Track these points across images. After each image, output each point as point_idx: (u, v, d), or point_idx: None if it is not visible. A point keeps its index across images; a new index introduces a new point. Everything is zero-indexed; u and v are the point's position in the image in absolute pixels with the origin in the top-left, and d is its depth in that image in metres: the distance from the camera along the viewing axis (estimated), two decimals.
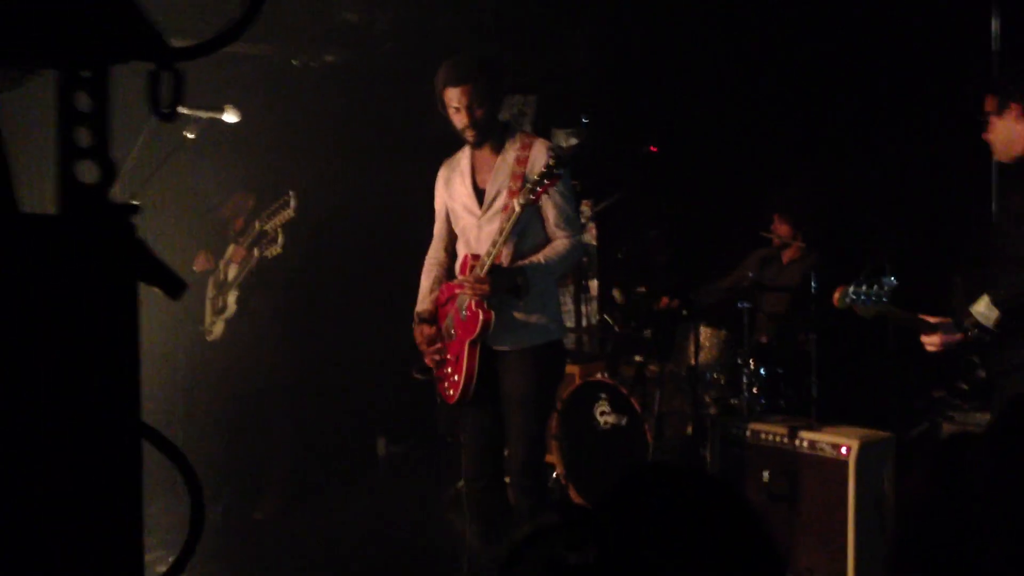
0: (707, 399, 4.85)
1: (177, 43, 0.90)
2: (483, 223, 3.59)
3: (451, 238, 3.84)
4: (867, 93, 5.22)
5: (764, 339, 4.86)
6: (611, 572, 1.03)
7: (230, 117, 3.90)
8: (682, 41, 5.95)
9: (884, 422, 4.15)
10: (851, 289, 3.12)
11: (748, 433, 4.21)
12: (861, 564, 3.78)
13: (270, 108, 5.50)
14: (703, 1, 5.84)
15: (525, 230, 3.52)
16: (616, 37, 6.53)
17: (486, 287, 3.43)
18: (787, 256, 5.25)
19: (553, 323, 3.70)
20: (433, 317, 3.76)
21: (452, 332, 3.65)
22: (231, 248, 5.12)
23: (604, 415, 5.01)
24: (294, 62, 5.55)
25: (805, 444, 3.98)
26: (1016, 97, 3.22)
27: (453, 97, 3.52)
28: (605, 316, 5.79)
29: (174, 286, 0.84)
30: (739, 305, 4.77)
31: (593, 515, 1.11)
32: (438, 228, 3.87)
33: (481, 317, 3.48)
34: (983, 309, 3.10)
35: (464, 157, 3.73)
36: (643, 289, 5.37)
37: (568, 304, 6.97)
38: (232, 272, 5.06)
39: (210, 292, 5.26)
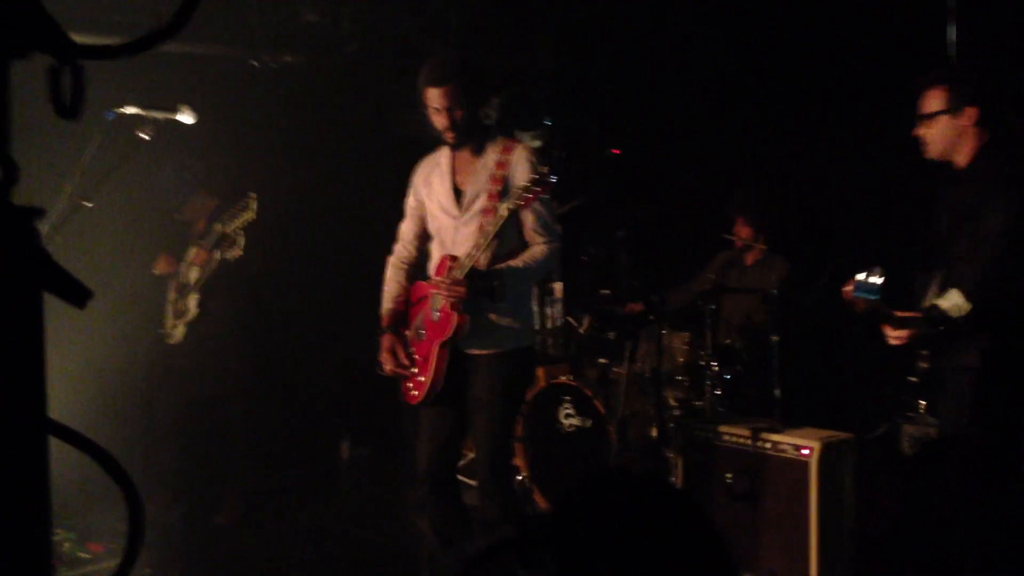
0: (671, 401, 4.87)
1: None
2: (460, 225, 3.58)
3: (423, 237, 3.82)
4: (827, 97, 5.26)
5: (728, 341, 4.88)
6: None
7: (186, 118, 3.84)
8: (645, 45, 5.98)
9: (846, 423, 4.18)
10: (861, 279, 3.12)
11: (711, 435, 4.23)
12: (823, 564, 3.80)
13: (230, 109, 5.43)
14: (666, 5, 5.86)
15: (502, 234, 3.51)
16: (579, 40, 6.54)
17: (462, 290, 3.41)
18: (750, 258, 5.28)
19: (525, 329, 3.70)
20: (400, 318, 3.74)
21: (421, 332, 3.63)
22: (192, 250, 5.05)
23: (568, 417, 5.01)
24: (253, 63, 5.49)
25: (768, 445, 4.00)
26: (976, 102, 3.22)
27: (433, 98, 3.50)
28: (569, 319, 5.79)
29: (78, 295, 0.81)
30: (701, 306, 4.79)
31: (549, 529, 1.09)
32: (409, 226, 3.83)
33: (455, 319, 3.46)
34: (956, 302, 3.12)
35: (444, 157, 3.71)
36: (607, 292, 5.38)
37: (532, 306, 6.96)
38: (193, 275, 5.00)
39: (171, 295, 5.19)
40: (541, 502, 5.09)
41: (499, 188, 3.50)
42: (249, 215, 4.56)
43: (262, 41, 5.46)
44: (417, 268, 3.84)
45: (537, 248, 3.57)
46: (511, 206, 3.31)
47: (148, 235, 5.57)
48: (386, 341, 3.68)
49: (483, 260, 3.47)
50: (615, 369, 5.06)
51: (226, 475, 5.28)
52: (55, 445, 0.89)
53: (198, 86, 5.05)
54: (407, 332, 3.72)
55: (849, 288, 3.21)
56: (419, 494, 3.77)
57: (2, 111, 0.78)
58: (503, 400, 3.59)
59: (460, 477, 3.93)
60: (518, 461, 5.27)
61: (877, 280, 3.09)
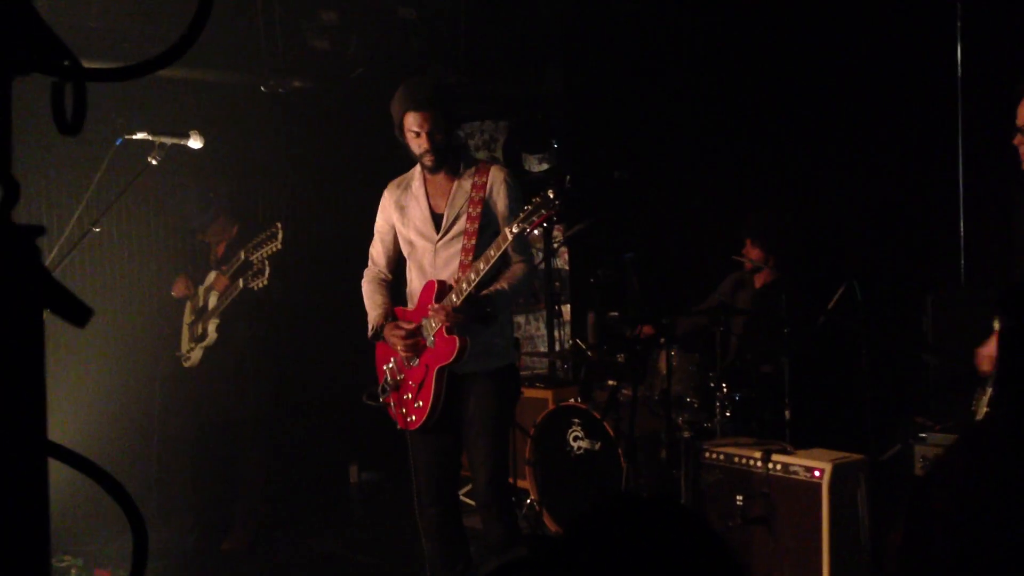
0: (680, 423, 4.84)
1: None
2: (440, 248, 3.59)
3: (397, 260, 3.83)
4: (838, 119, 5.27)
5: (737, 363, 4.86)
6: None
7: (194, 143, 3.87)
8: (653, 68, 6.00)
9: (857, 445, 4.15)
10: None
11: (722, 457, 4.19)
12: None
13: (239, 134, 5.47)
14: (673, 30, 5.89)
15: (486, 245, 3.50)
16: (587, 64, 6.57)
17: (462, 317, 3.40)
18: (760, 280, 5.26)
19: (511, 346, 3.75)
20: (380, 339, 3.72)
21: (414, 359, 3.61)
22: (212, 275, 5.05)
23: (577, 440, 4.98)
24: (262, 88, 5.53)
25: (779, 467, 3.97)
26: None
27: (414, 122, 3.52)
28: (578, 341, 5.78)
29: (78, 314, 0.80)
30: (711, 331, 4.78)
31: (562, 550, 1.08)
32: (382, 249, 3.83)
33: (457, 343, 3.45)
34: None
35: (416, 181, 3.72)
36: (615, 314, 5.37)
37: (541, 329, 6.96)
38: (213, 300, 5.00)
39: (187, 318, 5.19)
40: (551, 525, 5.06)
41: (479, 210, 3.52)
42: (276, 245, 4.58)
43: (270, 67, 5.50)
44: (393, 289, 3.84)
45: (517, 268, 3.58)
46: (517, 229, 3.29)
47: (167, 257, 5.60)
48: (388, 330, 3.63)
49: (467, 286, 3.45)
50: (624, 391, 5.04)
51: (236, 501, 5.25)
52: (64, 472, 0.89)
53: (207, 112, 5.10)
54: (395, 358, 3.70)
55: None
56: (425, 521, 3.74)
57: (3, 128, 0.78)
58: (498, 418, 3.62)
59: (463, 498, 3.91)
60: (528, 484, 5.24)
61: None
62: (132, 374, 5.30)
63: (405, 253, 3.74)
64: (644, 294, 5.26)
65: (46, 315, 0.80)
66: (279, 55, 5.52)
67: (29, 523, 0.77)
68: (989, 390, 3.11)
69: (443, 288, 3.52)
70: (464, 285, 3.43)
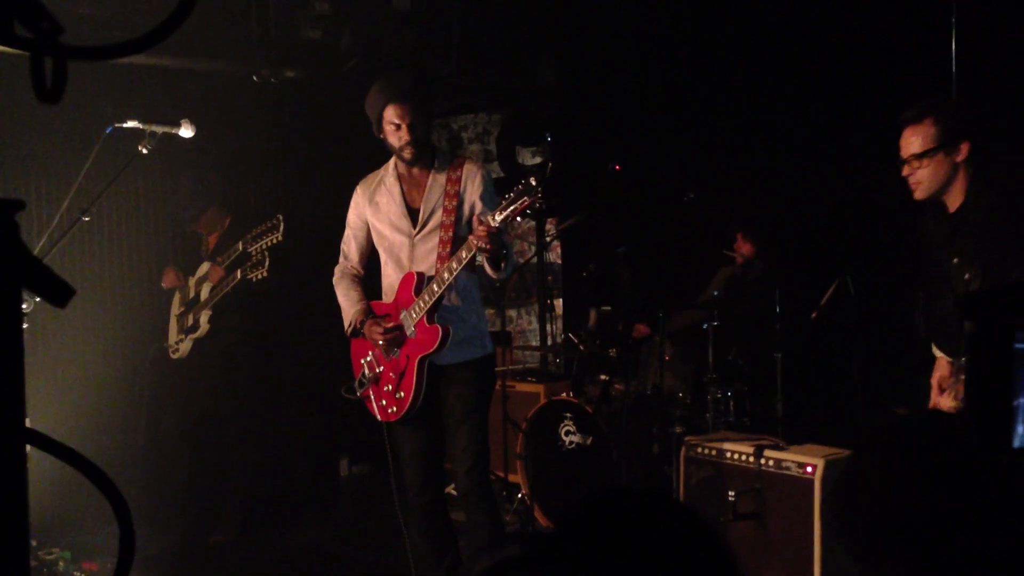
0: (673, 418, 4.83)
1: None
2: (418, 241, 3.62)
3: (369, 255, 3.84)
4: (830, 113, 5.25)
5: (729, 358, 4.85)
6: None
7: (186, 132, 3.83)
8: (646, 60, 5.98)
9: (850, 440, 4.14)
10: None
11: (714, 452, 4.19)
12: None
13: (231, 124, 5.43)
14: (667, 22, 5.87)
15: (463, 237, 3.52)
16: (580, 56, 6.54)
17: (494, 246, 3.33)
18: (751, 275, 5.25)
19: (487, 337, 3.78)
20: (370, 316, 3.71)
21: (394, 349, 3.62)
22: (206, 266, 5.00)
23: (569, 435, 4.97)
24: (254, 78, 5.49)
25: (771, 463, 3.96)
26: (968, 135, 2.98)
27: (395, 114, 3.54)
28: (570, 335, 5.76)
29: (59, 293, 0.78)
30: (703, 326, 4.77)
31: (554, 546, 1.07)
32: (354, 244, 3.84)
33: (440, 332, 3.49)
34: None
35: (389, 176, 3.74)
36: (607, 308, 5.35)
37: (533, 323, 6.94)
38: (205, 291, 4.95)
39: (175, 309, 5.15)
40: (542, 519, 5.05)
41: (454, 203, 3.56)
42: (277, 236, 4.55)
43: (263, 57, 5.46)
44: (365, 284, 3.85)
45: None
46: (501, 216, 3.29)
47: (156, 247, 5.55)
48: (368, 327, 3.63)
49: (447, 275, 3.46)
50: (616, 386, 5.03)
51: (225, 492, 5.23)
52: (50, 463, 0.86)
53: (199, 101, 5.05)
54: (373, 351, 3.70)
55: None
56: (411, 515, 3.75)
57: None
58: (479, 408, 3.65)
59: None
60: (519, 479, 5.23)
61: None
62: (118, 366, 5.25)
63: (380, 247, 3.75)
64: (636, 288, 5.26)
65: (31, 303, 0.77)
66: (272, 45, 5.49)
67: (6, 510, 0.74)
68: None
69: (422, 280, 3.55)
70: (446, 274, 3.46)
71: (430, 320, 3.52)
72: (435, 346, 3.51)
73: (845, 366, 4.71)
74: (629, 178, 5.76)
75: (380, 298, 3.77)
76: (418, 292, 3.54)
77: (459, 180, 3.60)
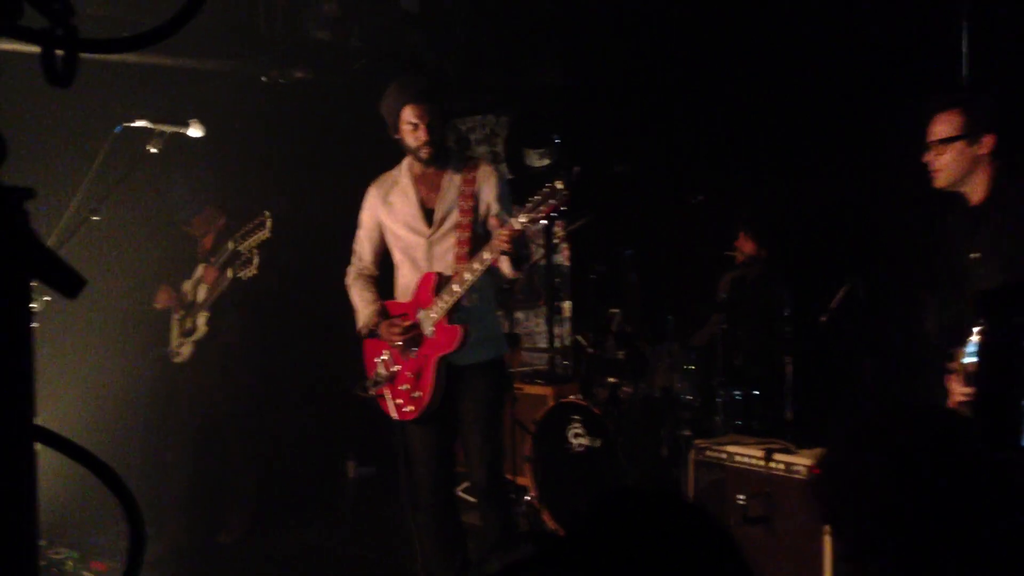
0: (681, 421, 4.81)
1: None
2: (433, 242, 3.62)
3: (383, 256, 3.85)
4: (843, 114, 5.23)
5: (738, 361, 4.83)
6: None
7: (195, 132, 3.83)
8: (654, 61, 5.96)
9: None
10: None
11: (723, 455, 4.16)
12: None
13: (239, 124, 5.43)
14: (674, 23, 5.85)
15: (481, 239, 3.53)
16: (588, 57, 6.53)
17: (514, 247, 3.32)
18: (752, 275, 5.24)
19: (501, 338, 3.82)
20: (375, 335, 3.72)
21: (412, 349, 3.62)
22: (201, 268, 4.98)
23: (578, 437, 4.95)
24: (263, 79, 5.49)
25: (781, 466, 3.94)
26: (993, 129, 3.00)
27: (413, 114, 3.55)
28: (578, 337, 5.75)
29: (69, 283, 0.76)
30: (715, 328, 4.75)
31: (566, 546, 1.05)
32: (368, 245, 3.84)
33: (460, 332, 3.50)
34: None
35: (404, 176, 3.74)
36: (615, 310, 5.33)
37: (541, 325, 6.92)
38: (202, 293, 4.93)
39: (177, 313, 5.14)
40: (550, 522, 5.03)
41: (471, 204, 3.58)
42: (264, 234, 4.53)
43: (272, 57, 5.46)
44: (378, 284, 3.85)
45: None
46: (525, 219, 3.27)
47: (156, 249, 5.52)
48: (384, 327, 3.63)
49: (469, 275, 3.45)
50: (625, 388, 5.01)
51: (230, 493, 5.22)
52: (60, 463, 0.85)
53: (208, 101, 5.04)
54: (390, 350, 3.70)
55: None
56: (423, 516, 3.74)
57: None
58: (494, 408, 3.68)
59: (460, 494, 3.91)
60: (528, 482, 5.21)
61: None
62: (121, 371, 5.21)
63: (394, 248, 3.76)
64: (643, 290, 5.24)
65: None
66: (280, 46, 5.49)
67: (16, 508, 0.73)
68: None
69: (441, 280, 3.55)
70: (467, 275, 3.45)
71: (450, 320, 3.52)
72: (454, 346, 3.52)
73: (855, 369, 4.68)
74: (637, 180, 5.75)
75: (393, 298, 3.77)
76: (437, 292, 3.54)
77: (474, 181, 3.62)
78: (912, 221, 5.03)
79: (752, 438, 4.31)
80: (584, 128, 6.60)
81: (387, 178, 3.81)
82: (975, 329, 2.73)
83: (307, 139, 6.25)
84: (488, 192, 3.61)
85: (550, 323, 6.65)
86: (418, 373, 3.61)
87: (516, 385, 5.69)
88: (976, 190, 3.07)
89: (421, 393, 3.60)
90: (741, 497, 4.01)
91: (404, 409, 3.66)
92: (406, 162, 3.74)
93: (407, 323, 3.60)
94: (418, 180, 3.71)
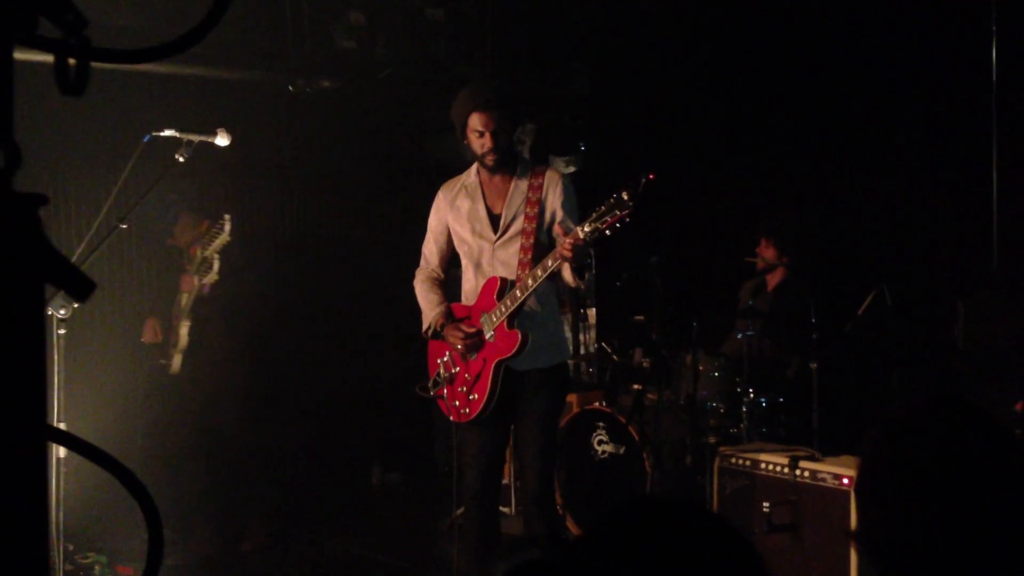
0: (706, 428, 4.78)
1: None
2: (497, 247, 3.65)
3: (449, 259, 3.88)
4: (872, 120, 5.20)
5: (763, 367, 4.79)
6: None
7: (222, 141, 3.86)
8: (680, 69, 5.95)
9: None
10: None
11: (748, 463, 4.14)
12: None
13: (266, 133, 5.48)
14: (700, 30, 5.84)
15: (545, 246, 3.56)
16: (614, 65, 6.53)
17: (576, 255, 3.32)
18: (772, 282, 5.21)
19: (563, 344, 3.86)
20: (439, 337, 3.75)
21: (472, 352, 3.67)
22: (182, 277, 4.86)
23: (602, 444, 4.94)
24: (290, 88, 5.54)
25: (807, 474, 3.91)
26: None
27: (479, 122, 3.58)
28: (603, 344, 5.74)
29: (80, 287, 0.78)
30: (739, 335, 4.73)
31: (579, 552, 1.05)
32: (435, 248, 3.87)
33: (519, 338, 3.51)
34: None
35: (471, 181, 3.77)
36: (640, 317, 5.31)
37: (567, 332, 6.92)
38: (184, 302, 4.82)
39: (173, 323, 5.08)
40: (574, 529, 5.02)
41: (535, 211, 3.60)
42: (224, 237, 4.46)
43: (298, 67, 5.51)
44: (445, 287, 3.89)
45: None
46: (589, 229, 3.26)
47: (152, 264, 5.47)
48: (448, 330, 3.65)
49: (532, 282, 3.48)
50: (649, 395, 5.00)
51: (251, 502, 5.20)
52: (89, 470, 0.86)
53: (235, 111, 5.09)
54: (451, 352, 3.74)
55: None
56: (466, 516, 3.77)
57: (5, 95, 0.75)
58: (551, 415, 3.71)
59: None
60: None
61: None
62: (123, 385, 5.15)
63: (460, 252, 3.79)
64: (668, 297, 5.22)
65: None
66: (307, 55, 5.54)
67: (27, 509, 0.74)
68: None
69: (504, 285, 3.58)
70: (530, 281, 3.48)
71: (510, 325, 3.54)
72: (513, 351, 3.53)
73: (882, 376, 4.64)
74: (663, 187, 5.73)
75: (459, 300, 3.81)
76: (500, 297, 3.57)
77: (541, 187, 3.63)
78: (941, 227, 4.99)
79: (778, 445, 4.28)
80: (610, 136, 6.60)
81: (456, 182, 3.84)
82: None
83: (333, 148, 6.29)
84: (554, 199, 3.62)
85: (575, 330, 6.64)
86: (476, 376, 3.65)
87: None
88: None
89: (477, 396, 3.64)
90: (766, 505, 3.98)
91: (461, 411, 3.71)
92: (475, 167, 3.78)
93: (471, 330, 3.63)
94: (486, 185, 3.74)
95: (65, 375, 3.28)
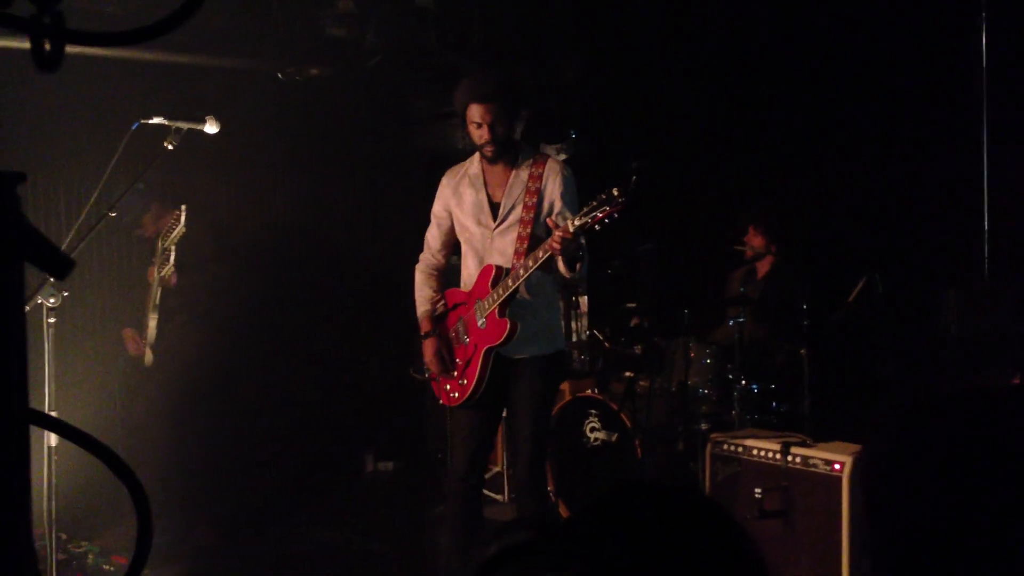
0: (698, 415, 4.80)
1: None
2: (496, 236, 3.69)
3: (450, 245, 3.92)
4: (862, 107, 5.20)
5: (754, 354, 4.81)
6: None
7: (210, 128, 3.84)
8: (669, 57, 5.94)
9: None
10: None
11: (740, 449, 4.15)
12: None
13: (254, 121, 5.44)
14: (690, 17, 5.83)
15: (542, 236, 3.57)
16: (604, 52, 6.51)
17: (563, 248, 3.34)
18: (761, 269, 5.22)
19: (559, 332, 3.90)
20: (438, 322, 3.83)
21: (464, 337, 3.73)
22: (148, 269, 4.76)
23: (594, 431, 4.95)
24: (278, 75, 5.51)
25: (798, 460, 3.92)
26: None
27: (477, 113, 3.61)
28: (595, 332, 5.74)
29: (58, 266, 0.77)
30: (730, 322, 4.74)
31: (569, 534, 1.04)
32: (438, 234, 3.91)
33: (508, 326, 3.55)
34: None
35: (474, 168, 3.81)
36: (632, 305, 5.32)
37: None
38: (153, 294, 4.69)
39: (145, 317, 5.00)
40: (566, 516, 5.03)
41: (534, 200, 3.64)
42: (180, 229, 4.40)
43: (287, 54, 5.48)
44: (445, 275, 3.95)
45: None
46: (579, 222, 3.28)
47: (128, 256, 5.40)
48: (431, 345, 3.78)
49: (523, 272, 3.51)
50: (641, 383, 5.00)
51: (239, 492, 5.15)
52: (81, 459, 0.85)
53: (224, 98, 5.06)
54: (450, 332, 3.80)
55: None
56: (450, 498, 3.81)
57: None
58: (544, 402, 3.75)
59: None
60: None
61: None
62: (97, 379, 5.08)
63: (461, 239, 3.83)
64: (659, 285, 5.22)
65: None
66: (296, 43, 5.51)
67: (8, 493, 0.73)
68: None
69: (499, 273, 3.62)
70: (521, 271, 3.51)
71: (501, 313, 3.58)
72: (501, 339, 3.57)
73: (873, 363, 4.65)
74: (653, 175, 5.72)
75: (459, 286, 3.86)
76: (494, 285, 3.61)
77: (540, 177, 3.67)
78: (931, 214, 5.00)
79: (769, 432, 4.29)
80: (601, 123, 6.58)
81: (459, 169, 3.88)
82: None
83: (322, 136, 6.26)
84: (553, 189, 3.65)
85: (567, 318, 6.64)
86: (467, 361, 3.70)
87: None
88: None
89: (467, 381, 3.70)
90: (758, 491, 3.99)
91: (451, 395, 3.78)
92: (477, 155, 3.80)
93: (449, 363, 3.71)
94: (487, 173, 3.77)
95: (56, 365, 3.26)
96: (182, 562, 4.63)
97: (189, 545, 4.85)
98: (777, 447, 4.00)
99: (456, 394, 3.76)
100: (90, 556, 4.55)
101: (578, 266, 3.50)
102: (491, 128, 3.61)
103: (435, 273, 3.92)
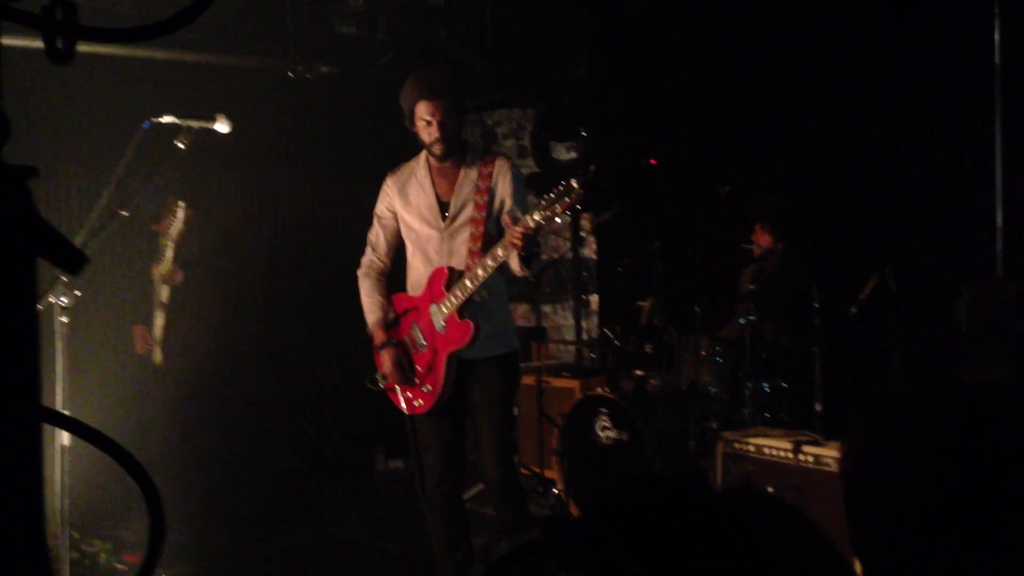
0: (709, 413, 4.78)
1: None
2: (446, 236, 3.62)
3: (397, 248, 3.83)
4: (873, 104, 5.16)
5: (764, 355, 4.79)
6: None
7: (221, 127, 3.83)
8: (680, 54, 5.92)
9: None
10: None
11: (751, 448, 4.14)
12: None
13: (265, 119, 5.45)
14: (701, 14, 5.81)
15: (495, 235, 3.55)
16: (615, 50, 6.50)
17: (525, 244, 3.31)
18: (769, 267, 5.20)
19: (514, 333, 3.82)
20: (392, 329, 3.73)
21: (422, 343, 3.65)
22: (153, 267, 4.78)
23: (605, 430, 4.94)
24: (289, 73, 5.51)
25: (810, 459, 3.91)
26: None
27: (425, 111, 3.55)
28: (605, 330, 5.73)
29: (72, 261, 0.77)
30: (740, 320, 4.72)
31: (580, 532, 1.04)
32: (383, 236, 3.81)
33: (471, 328, 3.50)
34: None
35: (420, 168, 3.73)
36: (644, 303, 5.31)
37: (568, 319, 6.91)
38: (160, 292, 4.75)
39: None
40: (577, 515, 5.02)
41: (485, 199, 3.57)
42: (179, 226, 4.40)
43: (298, 52, 5.48)
44: (391, 277, 3.85)
45: None
46: (539, 216, 3.26)
47: (139, 255, 5.39)
48: (390, 354, 3.67)
49: (479, 263, 3.45)
50: (652, 381, 4.99)
51: (252, 491, 5.17)
52: (93, 457, 0.85)
53: (235, 97, 5.06)
54: (404, 339, 3.72)
55: None
56: (430, 505, 3.76)
57: None
58: (505, 402, 3.70)
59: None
60: (555, 474, 5.21)
61: None
62: (123, 373, 5.09)
63: (408, 240, 3.75)
64: (670, 282, 5.21)
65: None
66: (306, 40, 5.51)
67: (22, 492, 0.73)
68: None
69: (453, 275, 3.55)
70: (480, 271, 3.45)
71: (461, 316, 3.52)
72: (466, 342, 3.52)
73: (886, 360, 4.63)
74: (664, 172, 5.71)
75: (405, 290, 3.77)
76: (449, 287, 3.54)
77: (490, 176, 3.61)
78: (944, 209, 4.97)
79: (780, 430, 4.28)
80: (611, 120, 6.57)
81: (405, 169, 3.80)
82: None
83: (333, 133, 6.27)
84: (503, 187, 3.60)
85: (577, 316, 6.64)
86: (428, 368, 3.63)
87: (543, 378, 5.68)
88: None
89: (431, 387, 3.62)
90: (770, 489, 3.98)
91: (414, 403, 3.69)
92: (424, 154, 3.73)
93: (409, 371, 3.63)
94: (434, 172, 3.70)
95: (68, 364, 3.27)
96: (194, 560, 4.64)
97: (201, 543, 4.86)
98: (789, 446, 3.99)
99: (420, 402, 3.67)
100: (103, 555, 4.58)
101: (533, 264, 3.46)
102: (441, 125, 3.54)
103: (382, 278, 3.82)
